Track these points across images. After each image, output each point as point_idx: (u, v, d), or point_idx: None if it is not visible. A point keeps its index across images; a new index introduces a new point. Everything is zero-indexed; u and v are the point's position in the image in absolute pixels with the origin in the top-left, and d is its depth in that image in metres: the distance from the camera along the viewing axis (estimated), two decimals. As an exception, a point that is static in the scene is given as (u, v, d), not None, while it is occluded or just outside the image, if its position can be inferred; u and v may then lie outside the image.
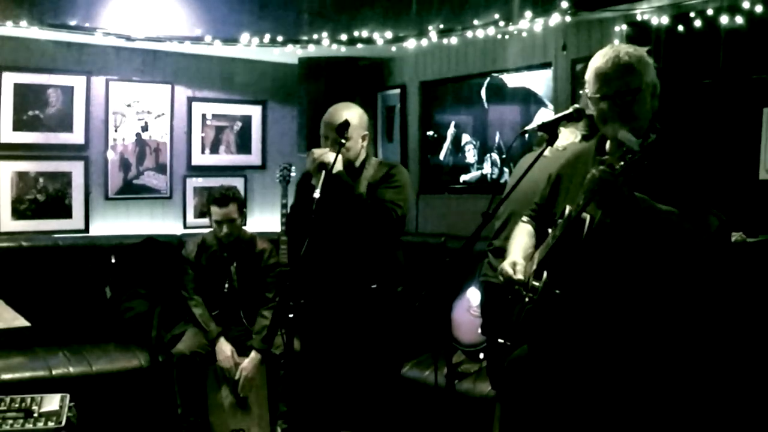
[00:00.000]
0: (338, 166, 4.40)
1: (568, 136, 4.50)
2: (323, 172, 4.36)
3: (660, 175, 3.06)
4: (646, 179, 2.97)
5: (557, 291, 3.17)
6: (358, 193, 4.52)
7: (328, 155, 4.43)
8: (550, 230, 3.40)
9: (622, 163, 2.87)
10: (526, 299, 3.30)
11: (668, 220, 3.01)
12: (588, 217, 3.09)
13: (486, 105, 6.94)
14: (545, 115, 6.23)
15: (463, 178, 7.17)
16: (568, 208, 3.18)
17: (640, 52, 3.28)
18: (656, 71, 3.30)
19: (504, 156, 6.70)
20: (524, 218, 3.72)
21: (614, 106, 3.22)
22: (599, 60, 3.29)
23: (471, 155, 7.09)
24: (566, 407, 3.31)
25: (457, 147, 7.22)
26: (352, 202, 4.47)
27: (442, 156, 7.36)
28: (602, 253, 3.11)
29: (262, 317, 5.82)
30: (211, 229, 6.09)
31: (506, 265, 3.44)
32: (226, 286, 5.94)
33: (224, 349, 5.64)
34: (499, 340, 3.86)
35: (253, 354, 5.70)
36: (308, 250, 4.24)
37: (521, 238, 3.62)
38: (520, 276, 3.37)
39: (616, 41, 5.47)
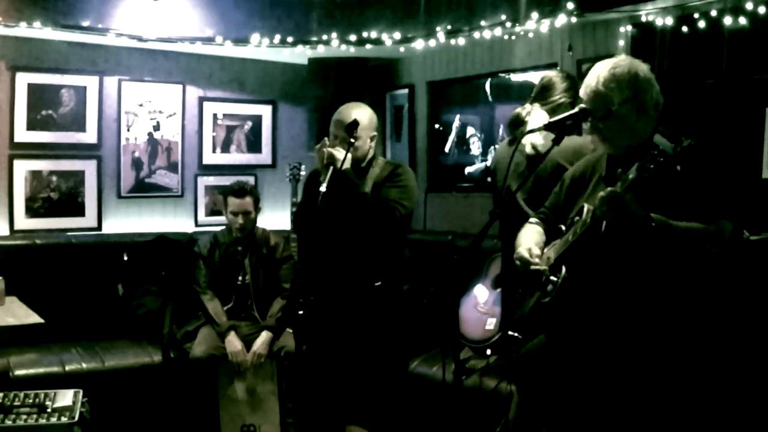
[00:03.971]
0: (346, 164, 4.47)
1: (538, 136, 4.51)
2: (331, 168, 4.43)
3: (674, 181, 3.08)
4: (660, 185, 3.02)
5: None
6: (363, 192, 4.57)
7: (337, 152, 4.50)
8: (563, 227, 3.45)
9: (652, 166, 2.90)
10: (544, 288, 3.35)
11: (684, 235, 3.06)
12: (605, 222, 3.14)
13: (490, 98, 6.98)
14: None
15: (468, 170, 7.21)
16: (586, 207, 3.21)
17: (613, 72, 3.30)
18: (649, 81, 3.32)
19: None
20: (533, 219, 3.75)
21: (592, 128, 3.34)
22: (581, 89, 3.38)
23: (476, 147, 7.14)
24: (584, 398, 3.35)
25: (463, 141, 7.26)
26: (357, 200, 4.53)
27: (447, 148, 7.40)
28: (619, 254, 3.16)
29: (278, 303, 5.92)
30: (223, 228, 6.16)
31: (522, 251, 3.48)
32: (240, 279, 6.00)
33: (235, 343, 5.68)
34: (510, 333, 3.90)
35: (263, 334, 5.78)
36: (314, 246, 4.32)
37: (530, 233, 3.66)
38: (537, 259, 3.43)
39: (621, 42, 5.51)
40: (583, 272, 3.24)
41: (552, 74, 4.85)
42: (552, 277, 3.31)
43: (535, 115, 4.60)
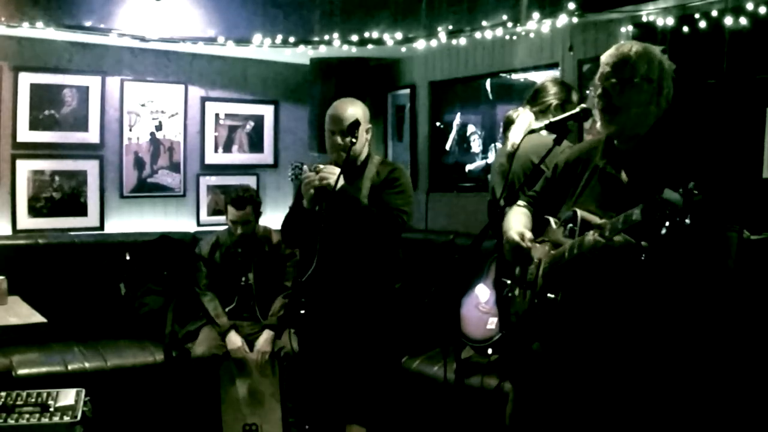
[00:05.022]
0: (340, 183, 4.47)
1: (520, 134, 4.61)
2: (315, 191, 4.50)
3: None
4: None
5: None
6: (365, 206, 4.60)
7: (327, 176, 4.52)
8: (552, 221, 3.42)
9: (658, 216, 2.70)
10: (541, 298, 3.32)
11: (680, 260, 3.03)
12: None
13: (491, 96, 7.00)
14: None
15: (468, 167, 7.23)
16: (580, 215, 3.17)
17: (646, 48, 3.27)
18: (670, 76, 3.30)
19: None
20: (520, 202, 3.69)
21: (602, 96, 3.22)
22: (606, 52, 3.30)
23: (476, 145, 7.16)
24: (582, 398, 3.33)
25: (463, 139, 7.27)
26: (360, 214, 4.55)
27: (447, 146, 7.42)
28: (619, 273, 3.10)
29: (279, 301, 5.97)
30: (225, 228, 6.17)
31: (514, 234, 3.45)
32: (243, 279, 6.02)
33: (235, 340, 5.71)
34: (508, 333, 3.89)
35: (265, 332, 5.81)
36: (314, 250, 4.36)
37: (520, 217, 3.62)
38: (529, 243, 3.41)
39: (622, 42, 5.51)
40: (581, 289, 3.19)
41: (546, 80, 4.99)
42: (549, 294, 3.27)
43: (523, 117, 4.74)
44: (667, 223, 2.66)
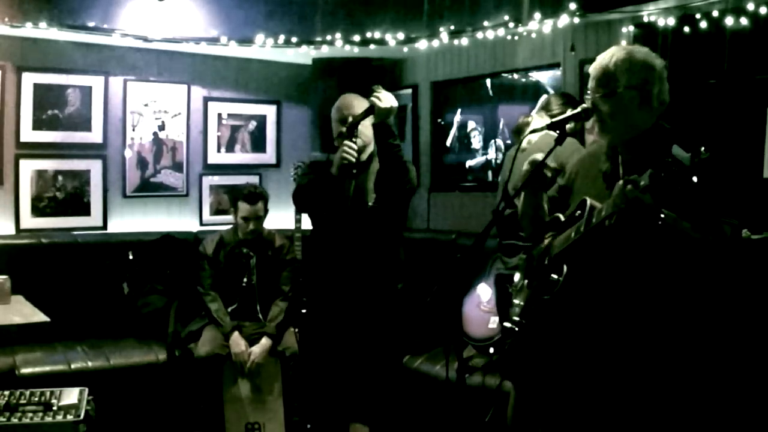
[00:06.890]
0: (393, 103, 4.64)
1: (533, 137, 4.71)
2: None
3: (685, 191, 2.87)
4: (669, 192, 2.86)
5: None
6: (397, 143, 4.67)
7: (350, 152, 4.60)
8: (560, 216, 3.44)
9: (665, 175, 2.72)
10: (544, 283, 3.33)
11: (688, 236, 3.00)
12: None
13: (491, 93, 7.01)
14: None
15: (469, 163, 7.25)
16: (589, 202, 3.17)
17: (629, 54, 3.24)
18: (660, 77, 3.24)
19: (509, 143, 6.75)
20: None
21: (592, 109, 3.25)
22: (594, 63, 3.31)
23: (476, 141, 7.17)
24: (582, 397, 3.34)
25: (464, 136, 7.29)
26: (394, 150, 4.62)
27: (448, 142, 7.44)
28: (622, 252, 3.11)
29: (277, 306, 5.95)
30: (229, 227, 6.17)
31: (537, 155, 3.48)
32: (245, 280, 6.02)
33: (239, 342, 5.70)
34: (506, 324, 3.90)
35: (264, 340, 5.79)
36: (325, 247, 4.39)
37: None
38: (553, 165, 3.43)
39: (624, 42, 5.52)
40: (585, 271, 3.22)
41: (550, 95, 5.24)
42: (553, 275, 3.29)
43: (537, 120, 4.83)
44: (674, 184, 2.69)
